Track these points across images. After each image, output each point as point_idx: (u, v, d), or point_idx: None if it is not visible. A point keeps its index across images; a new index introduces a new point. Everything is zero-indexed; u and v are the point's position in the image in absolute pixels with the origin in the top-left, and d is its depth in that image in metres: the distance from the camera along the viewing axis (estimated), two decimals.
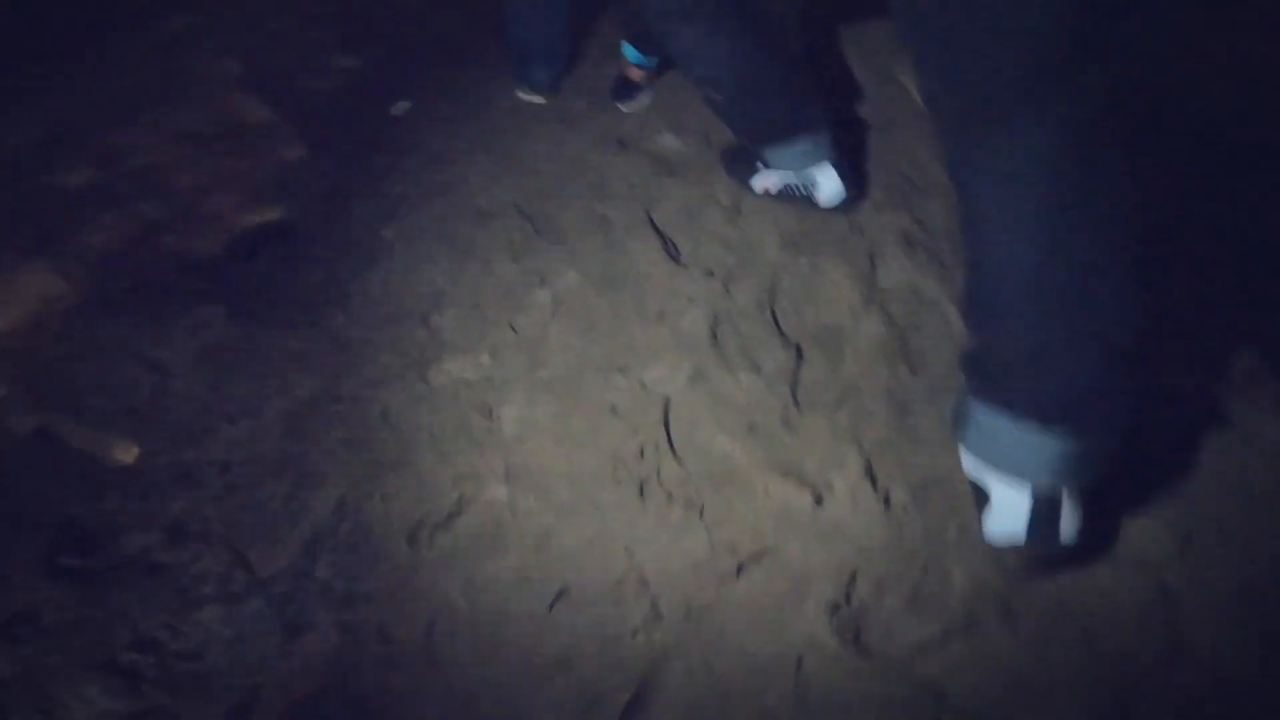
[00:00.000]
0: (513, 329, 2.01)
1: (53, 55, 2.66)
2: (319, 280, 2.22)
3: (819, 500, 1.64)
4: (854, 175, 2.14)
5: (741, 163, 2.23)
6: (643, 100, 2.58)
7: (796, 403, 1.81)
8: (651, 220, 2.19)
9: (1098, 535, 1.48)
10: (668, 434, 1.79)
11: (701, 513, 1.67)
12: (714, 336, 1.92)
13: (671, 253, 2.12)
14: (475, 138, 2.52)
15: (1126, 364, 1.31)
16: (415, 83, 2.79)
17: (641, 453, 1.76)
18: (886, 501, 1.62)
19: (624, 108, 2.56)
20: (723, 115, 2.11)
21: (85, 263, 2.11)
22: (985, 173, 1.28)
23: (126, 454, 1.83)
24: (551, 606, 1.60)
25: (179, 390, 1.95)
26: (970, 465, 1.47)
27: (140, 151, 2.39)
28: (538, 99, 2.59)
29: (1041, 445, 1.36)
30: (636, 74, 2.56)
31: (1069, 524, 1.39)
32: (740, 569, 1.59)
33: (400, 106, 2.67)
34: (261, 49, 2.79)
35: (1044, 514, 1.38)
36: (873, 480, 1.65)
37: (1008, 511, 1.40)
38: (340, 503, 1.78)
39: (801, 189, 2.12)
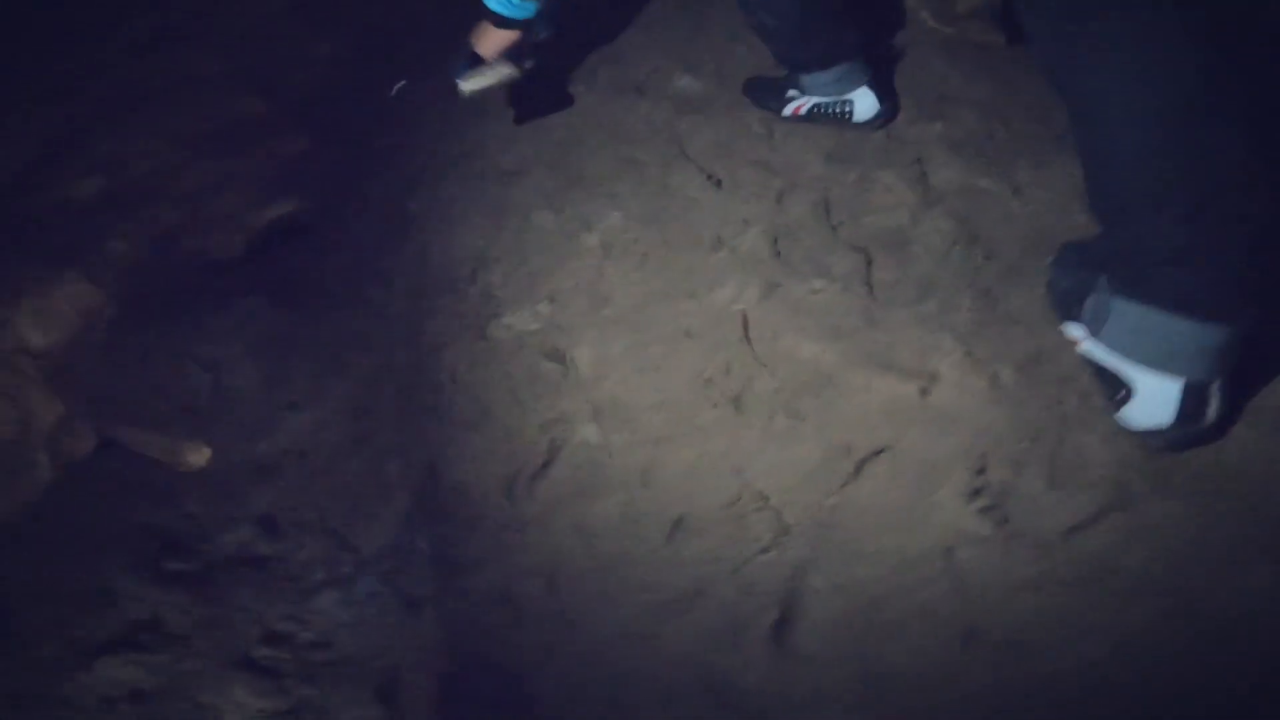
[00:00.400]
0: (567, 274, 1.95)
1: (25, 65, 2.55)
2: (351, 261, 2.15)
3: (925, 390, 1.60)
4: (886, 91, 2.11)
5: (768, 92, 2.19)
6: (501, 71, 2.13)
7: (876, 300, 1.76)
8: (686, 154, 2.14)
9: (1238, 405, 1.45)
10: (751, 348, 1.74)
11: (804, 418, 1.62)
12: (777, 252, 1.88)
13: (714, 181, 2.07)
14: (482, 105, 2.44)
15: (1273, 248, 1.30)
16: (402, 62, 2.71)
17: (729, 369, 1.72)
18: (996, 382, 1.58)
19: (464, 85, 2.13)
20: (772, 41, 2.08)
21: (114, 272, 2.02)
22: (1107, 67, 1.27)
23: (199, 456, 1.75)
24: (670, 538, 1.55)
25: (236, 385, 1.88)
26: (1105, 357, 1.45)
27: (142, 157, 2.30)
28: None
29: (1199, 339, 1.34)
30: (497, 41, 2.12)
31: (1215, 406, 1.39)
32: (860, 468, 1.54)
33: (397, 87, 2.59)
34: (237, 45, 2.69)
35: (1194, 401, 1.38)
36: (976, 362, 1.61)
37: (1155, 402, 1.39)
38: (428, 470, 1.72)
39: (834, 109, 2.09)
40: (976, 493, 1.46)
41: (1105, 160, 1.36)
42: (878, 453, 1.55)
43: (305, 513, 1.67)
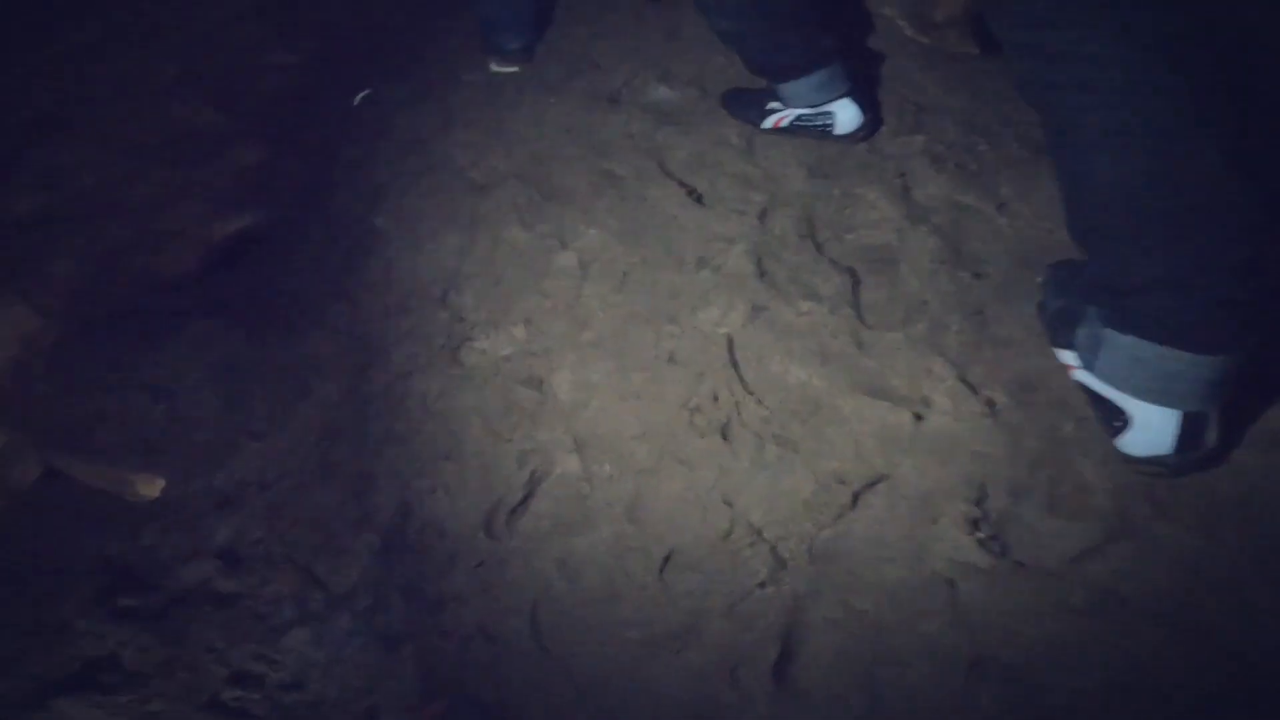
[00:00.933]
0: (542, 295, 1.88)
1: None
2: (313, 280, 2.05)
3: (919, 416, 1.55)
4: (867, 103, 2.06)
5: (747, 104, 2.14)
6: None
7: (864, 323, 1.71)
8: (664, 168, 2.08)
9: (1238, 427, 1.42)
10: (738, 373, 1.68)
11: (796, 447, 1.57)
12: (761, 272, 1.82)
13: (694, 197, 2.00)
14: (450, 115, 2.37)
15: (1263, 274, 1.27)
16: (366, 71, 2.62)
17: (715, 397, 1.65)
18: (991, 407, 1.54)
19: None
20: (742, 51, 2.02)
21: (56, 293, 1.91)
22: (1082, 85, 1.24)
23: (151, 488, 1.65)
24: (661, 572, 1.48)
25: (191, 414, 1.77)
26: (1100, 387, 1.42)
27: (87, 168, 2.18)
28: (511, 68, 2.46)
29: (1195, 372, 1.31)
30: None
31: (1214, 432, 1.36)
32: (856, 499, 1.49)
33: (360, 96, 2.51)
34: (192, 50, 2.59)
35: (1193, 429, 1.35)
36: (970, 387, 1.57)
37: (1153, 431, 1.36)
38: (401, 503, 1.63)
39: (816, 121, 2.04)
40: (976, 522, 1.41)
41: (1082, 183, 1.33)
42: (873, 483, 1.50)
43: (270, 546, 1.58)
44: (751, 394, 1.65)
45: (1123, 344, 1.37)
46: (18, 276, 1.91)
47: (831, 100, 2.02)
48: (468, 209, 2.08)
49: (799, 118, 2.04)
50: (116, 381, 1.79)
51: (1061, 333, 1.55)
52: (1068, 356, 1.52)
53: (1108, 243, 1.34)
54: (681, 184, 2.03)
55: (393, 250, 2.06)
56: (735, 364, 1.69)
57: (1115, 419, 1.41)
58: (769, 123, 2.08)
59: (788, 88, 2.02)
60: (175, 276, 2.07)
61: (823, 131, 2.04)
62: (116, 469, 1.66)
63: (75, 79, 2.50)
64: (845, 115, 2.02)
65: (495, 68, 2.46)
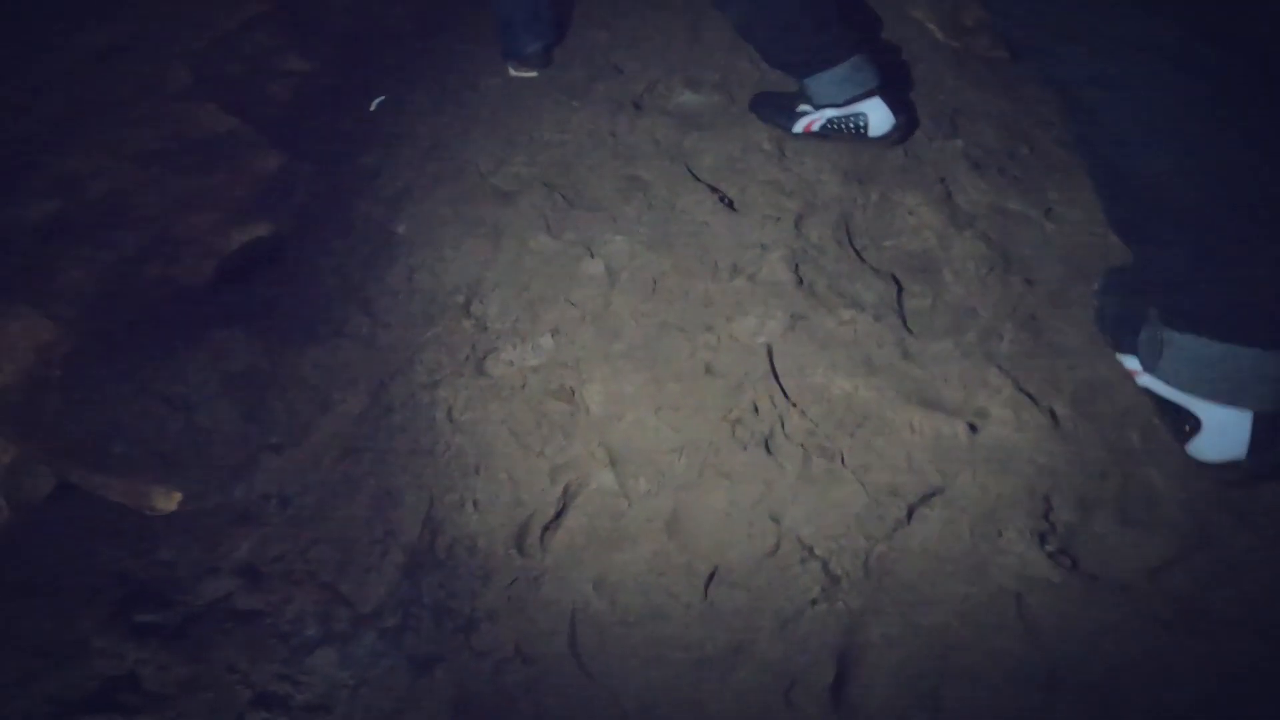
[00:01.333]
0: (570, 304, 1.81)
1: None
2: (333, 289, 1.98)
3: (974, 427, 1.48)
4: (900, 105, 2.01)
5: (778, 108, 2.08)
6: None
7: (911, 331, 1.65)
8: (693, 173, 2.02)
9: None
10: (779, 384, 1.61)
11: (843, 460, 1.50)
12: (799, 279, 1.76)
13: (725, 203, 1.94)
14: (470, 120, 2.32)
15: None
16: (382, 77, 2.57)
17: (756, 408, 1.58)
18: (1052, 416, 1.47)
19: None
20: (764, 48, 1.96)
21: (71, 302, 1.83)
22: (1117, 86, 1.20)
23: (168, 501, 1.57)
24: (706, 591, 1.40)
25: (209, 425, 1.70)
26: (1166, 392, 1.36)
27: (102, 176, 2.12)
28: (530, 73, 2.40)
29: (1263, 369, 1.26)
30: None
31: None
32: (911, 512, 1.41)
33: (376, 102, 2.45)
34: (206, 56, 2.53)
35: (1268, 430, 1.29)
36: (1029, 397, 1.50)
37: (1226, 435, 1.31)
38: (428, 518, 1.56)
39: (848, 124, 1.98)
40: (1044, 536, 1.34)
41: (1131, 185, 1.28)
42: (929, 496, 1.43)
43: (291, 563, 1.50)
44: (795, 405, 1.58)
45: (1185, 344, 1.32)
46: (31, 286, 1.84)
47: (860, 98, 1.95)
48: (491, 216, 2.02)
49: (830, 121, 1.98)
50: (132, 392, 1.71)
51: (1122, 338, 1.49)
52: (1130, 362, 1.46)
53: (1154, 240, 1.29)
54: (711, 190, 1.97)
55: (415, 258, 1.99)
56: (776, 374, 1.62)
57: (1184, 424, 1.35)
58: (799, 126, 2.03)
59: (812, 84, 1.95)
60: (192, 286, 1.99)
61: (856, 134, 1.98)
62: (132, 481, 1.58)
63: (88, 86, 2.44)
64: (877, 116, 1.96)
65: (514, 72, 2.41)
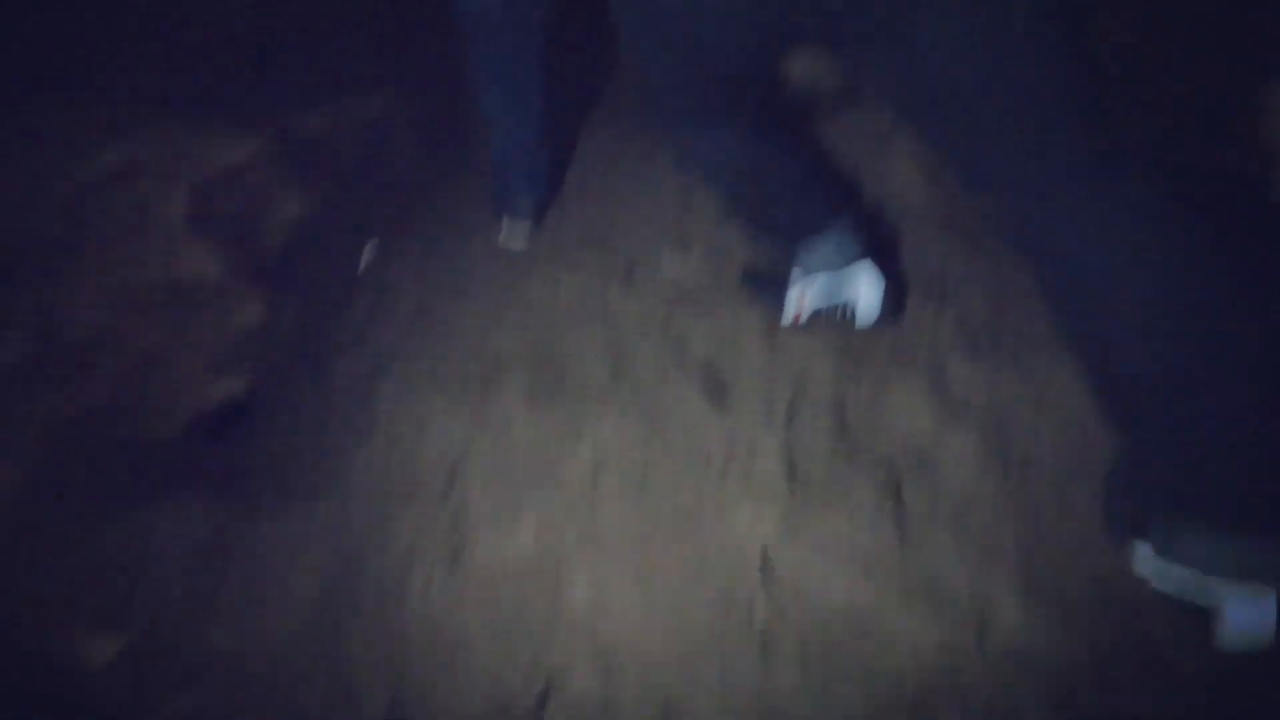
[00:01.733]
0: (556, 491, 1.74)
1: None
2: (307, 453, 1.92)
3: (981, 629, 1.42)
4: (889, 281, 1.99)
5: (765, 285, 2.06)
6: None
7: (910, 528, 1.59)
8: (682, 354, 1.98)
9: None
10: (774, 586, 1.54)
11: (843, 666, 1.42)
12: (793, 474, 1.71)
13: (717, 392, 1.89)
14: (459, 281, 2.29)
15: None
16: (375, 222, 2.55)
17: (749, 611, 1.51)
18: (1072, 615, 1.41)
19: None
20: (751, 222, 1.95)
21: (32, 447, 1.75)
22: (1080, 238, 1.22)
23: (107, 647, 1.46)
24: None
25: (160, 587, 1.61)
26: (1182, 580, 1.31)
27: (85, 316, 2.05)
28: (519, 241, 2.38)
29: (1273, 545, 1.22)
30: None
31: None
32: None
33: (368, 250, 2.43)
34: (204, 191, 2.48)
35: None
36: (1040, 594, 1.44)
37: (1249, 621, 1.26)
38: (394, 700, 1.46)
39: (835, 314, 1.96)
40: None
41: (1124, 359, 1.27)
42: (938, 703, 1.35)
43: None
44: (791, 608, 1.51)
45: (1191, 529, 1.28)
46: None
47: (850, 275, 1.94)
48: (476, 389, 1.96)
49: (817, 311, 1.96)
50: (78, 548, 1.62)
51: (1128, 531, 1.44)
52: (1142, 552, 1.41)
53: (1157, 426, 1.28)
54: (702, 375, 1.92)
55: (396, 427, 1.93)
56: (770, 573, 1.56)
57: (1205, 614, 1.31)
58: (789, 315, 2.00)
59: (803, 251, 1.92)
60: (161, 440, 1.93)
61: (843, 322, 1.96)
62: (69, 628, 1.48)
63: (83, 211, 2.39)
64: (866, 302, 1.94)
65: (505, 233, 2.38)
